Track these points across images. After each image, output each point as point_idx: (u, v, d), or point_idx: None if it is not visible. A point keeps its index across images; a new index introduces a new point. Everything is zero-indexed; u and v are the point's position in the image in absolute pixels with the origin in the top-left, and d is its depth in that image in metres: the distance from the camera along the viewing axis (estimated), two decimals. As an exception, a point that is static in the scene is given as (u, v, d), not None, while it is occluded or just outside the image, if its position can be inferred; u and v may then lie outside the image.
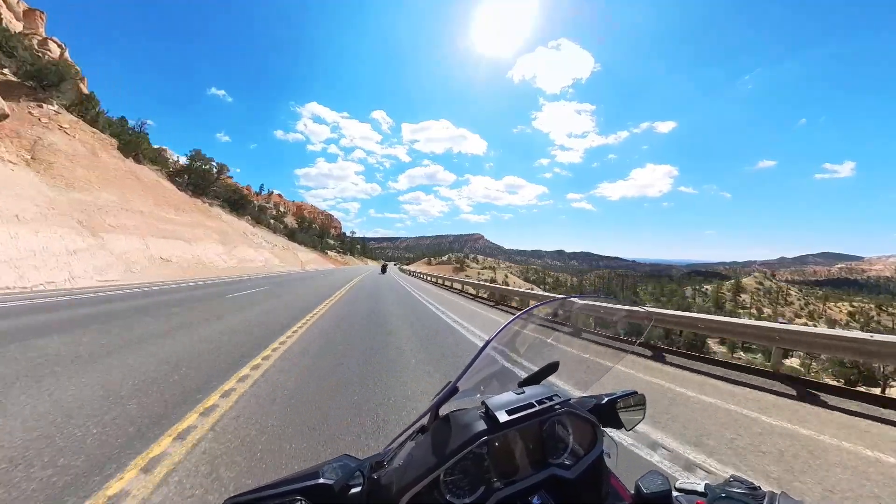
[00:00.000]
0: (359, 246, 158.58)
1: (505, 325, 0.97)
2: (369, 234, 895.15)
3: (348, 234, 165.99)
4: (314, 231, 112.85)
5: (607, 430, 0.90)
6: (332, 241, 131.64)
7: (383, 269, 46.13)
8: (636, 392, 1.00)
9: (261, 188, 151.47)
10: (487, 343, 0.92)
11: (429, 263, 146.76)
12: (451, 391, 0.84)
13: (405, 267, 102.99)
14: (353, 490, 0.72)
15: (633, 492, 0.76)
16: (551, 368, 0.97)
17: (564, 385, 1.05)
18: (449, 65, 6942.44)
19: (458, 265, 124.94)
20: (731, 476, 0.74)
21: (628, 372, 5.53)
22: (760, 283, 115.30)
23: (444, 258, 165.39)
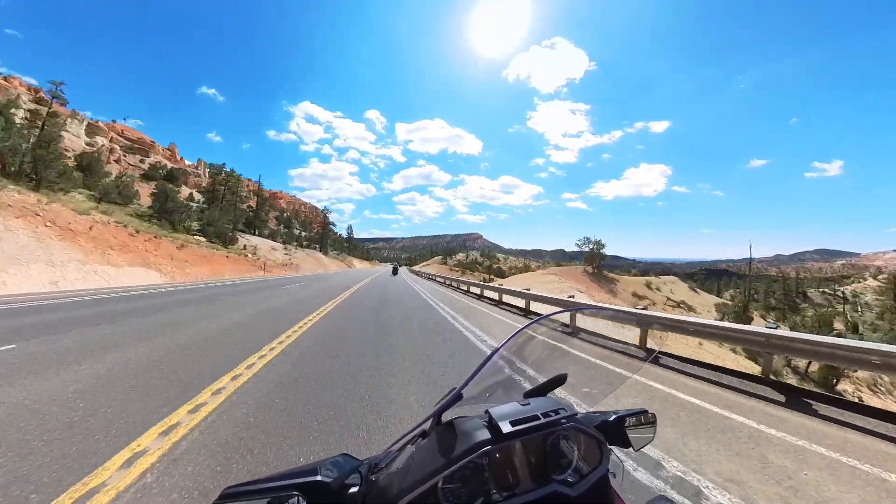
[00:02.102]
0: (346, 244, 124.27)
1: (515, 334, 0.95)
2: (365, 235, 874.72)
3: (335, 230, 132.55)
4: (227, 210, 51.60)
5: (614, 448, 0.87)
6: (301, 233, 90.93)
7: (395, 272, 44.19)
8: (647, 410, 0.97)
9: (223, 168, 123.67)
10: (495, 351, 0.89)
11: (444, 263, 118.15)
12: (455, 398, 0.81)
13: (416, 269, 79.77)
14: (351, 490, 0.71)
15: None
16: (559, 381, 0.94)
17: (572, 398, 1.09)
18: (444, 64, 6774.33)
19: (591, 266, 53.29)
20: None
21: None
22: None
23: (465, 257, 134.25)
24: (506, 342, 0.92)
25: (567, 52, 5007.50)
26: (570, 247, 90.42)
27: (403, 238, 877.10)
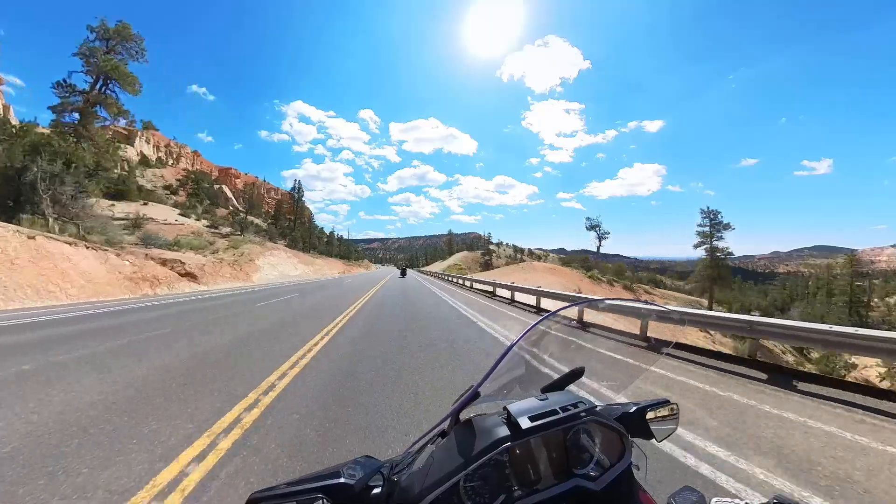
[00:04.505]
0: (330, 242, 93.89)
1: (529, 328, 0.95)
2: (360, 237, 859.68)
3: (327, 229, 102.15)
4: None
5: (636, 440, 0.86)
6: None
7: (403, 273, 42.28)
8: (668, 401, 0.96)
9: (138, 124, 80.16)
10: (511, 347, 0.89)
11: (488, 263, 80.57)
12: (473, 396, 0.82)
13: (434, 272, 51.95)
14: (374, 491, 0.72)
15: None
16: (576, 374, 0.94)
17: (591, 390, 1.13)
18: (437, 62, 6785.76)
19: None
20: (775, 497, 0.68)
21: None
22: None
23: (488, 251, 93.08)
24: (520, 338, 0.91)
25: (561, 50, 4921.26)
26: (571, 246, 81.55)
27: (399, 238, 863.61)
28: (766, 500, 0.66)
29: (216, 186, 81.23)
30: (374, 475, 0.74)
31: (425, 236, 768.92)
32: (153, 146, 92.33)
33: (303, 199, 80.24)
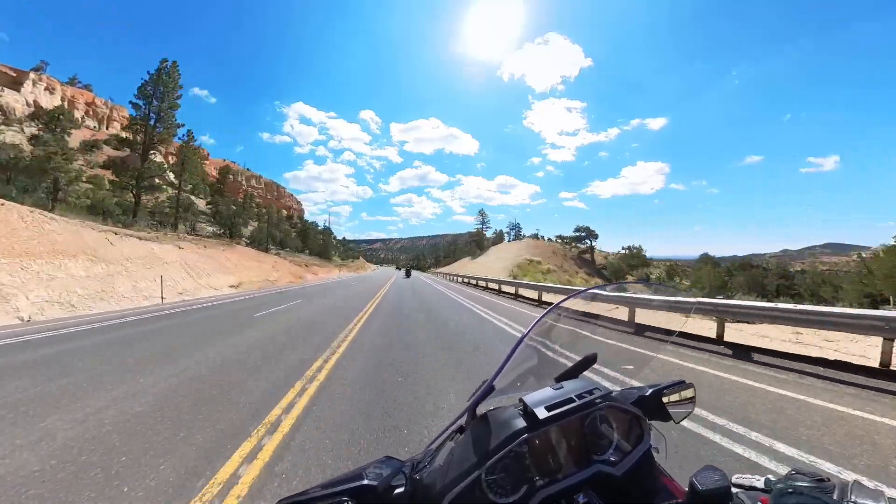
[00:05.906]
0: (305, 236, 70.93)
1: (538, 320, 0.95)
2: (362, 237, 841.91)
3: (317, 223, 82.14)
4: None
5: (654, 423, 0.86)
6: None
7: (407, 274, 44.47)
8: (684, 381, 0.95)
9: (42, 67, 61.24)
10: (521, 339, 0.90)
11: (586, 268, 49.29)
12: (488, 390, 0.82)
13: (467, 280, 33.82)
14: (397, 490, 0.73)
15: (687, 489, 0.70)
16: (589, 361, 0.93)
17: (605, 377, 1.21)
18: (437, 62, 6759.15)
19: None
20: (793, 469, 0.68)
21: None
22: None
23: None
24: (529, 329, 0.92)
25: (562, 48, 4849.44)
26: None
27: (401, 239, 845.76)
28: (783, 474, 0.66)
29: (150, 155, 58.37)
30: (397, 475, 0.74)
31: (428, 236, 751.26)
32: (65, 101, 63.44)
33: (194, 142, 41.00)
